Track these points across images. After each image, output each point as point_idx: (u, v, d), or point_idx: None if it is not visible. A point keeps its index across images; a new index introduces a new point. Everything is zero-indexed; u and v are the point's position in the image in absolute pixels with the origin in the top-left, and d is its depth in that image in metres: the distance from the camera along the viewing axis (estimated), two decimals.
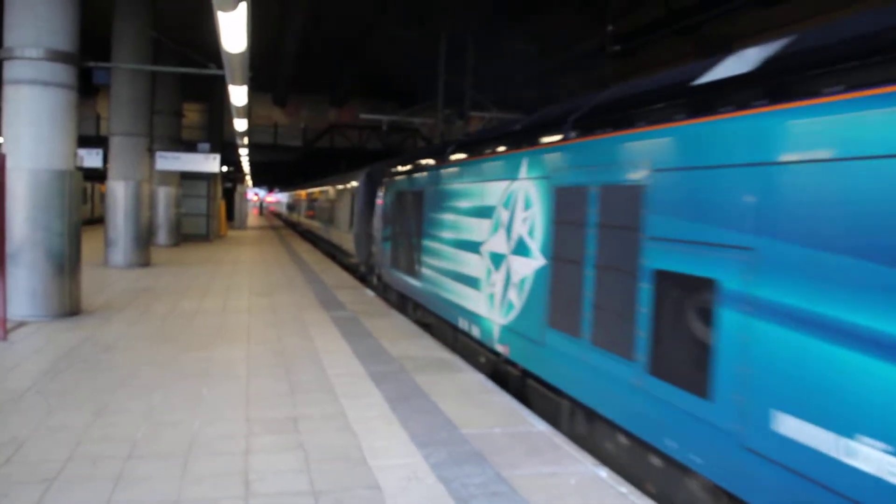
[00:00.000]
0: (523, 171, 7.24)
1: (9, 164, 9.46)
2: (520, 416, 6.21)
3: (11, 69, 9.98)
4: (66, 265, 10.34)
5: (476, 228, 8.56)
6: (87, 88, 20.09)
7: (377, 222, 15.57)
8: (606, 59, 22.23)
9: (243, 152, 33.61)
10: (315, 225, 31.82)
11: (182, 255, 21.63)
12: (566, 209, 6.19)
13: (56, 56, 10.04)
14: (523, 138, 7.50)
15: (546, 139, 6.86)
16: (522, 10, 21.38)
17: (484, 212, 8.30)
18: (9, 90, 10.02)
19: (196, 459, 4.96)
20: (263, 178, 69.73)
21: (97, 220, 39.06)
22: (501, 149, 8.07)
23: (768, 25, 17.53)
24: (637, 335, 4.98)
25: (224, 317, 10.85)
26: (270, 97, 40.22)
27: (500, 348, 7.69)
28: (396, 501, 4.33)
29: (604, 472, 4.93)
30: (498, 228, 7.80)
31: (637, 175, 5.12)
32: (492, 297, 7.92)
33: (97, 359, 7.89)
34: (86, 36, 10.84)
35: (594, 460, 5.20)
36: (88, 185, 40.13)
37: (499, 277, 7.72)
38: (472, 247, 8.64)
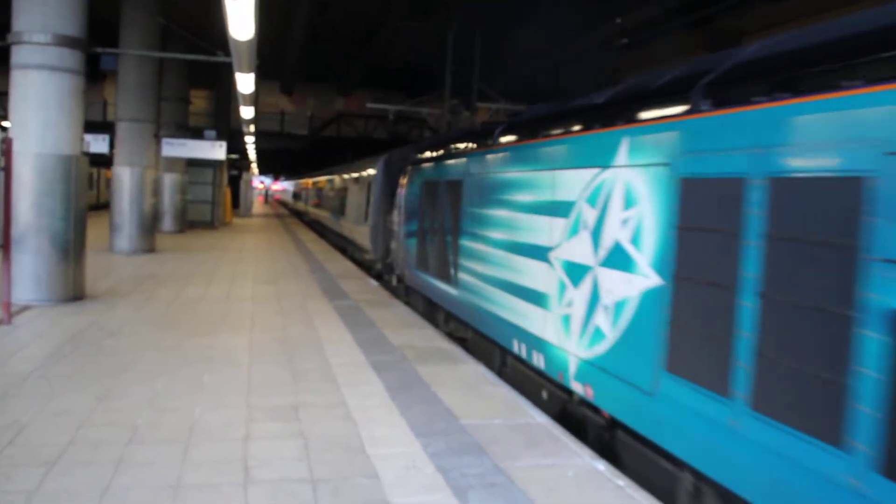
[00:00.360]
0: (622, 155, 5.37)
1: (16, 148, 9.48)
2: (520, 407, 6.23)
3: (19, 54, 10.00)
4: (71, 250, 10.37)
5: (542, 229, 6.65)
6: (95, 74, 20.15)
7: (398, 215, 13.55)
8: (614, 52, 22.22)
9: (249, 140, 33.63)
10: (324, 215, 30.49)
11: (187, 242, 21.68)
12: (702, 209, 4.40)
13: (64, 41, 10.05)
14: (622, 112, 5.65)
15: (663, 112, 5.03)
16: (530, 1, 21.33)
17: (555, 208, 6.40)
18: (16, 75, 10.04)
19: (197, 445, 4.99)
20: (269, 165, 69.78)
21: (103, 205, 39.14)
22: (583, 127, 6.21)
23: (774, 21, 17.50)
24: (854, 410, 3.28)
25: (228, 304, 10.88)
26: (278, 85, 40.27)
27: (577, 387, 5.88)
28: (395, 491, 4.35)
29: (601, 465, 4.94)
30: (578, 231, 5.92)
31: (854, 161, 3.37)
32: (567, 319, 6.03)
33: (101, 344, 7.92)
34: (94, 21, 10.85)
35: (592, 453, 5.22)
36: (94, 170, 40.19)
37: (579, 295, 5.84)
38: (536, 252, 6.74)
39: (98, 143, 21.05)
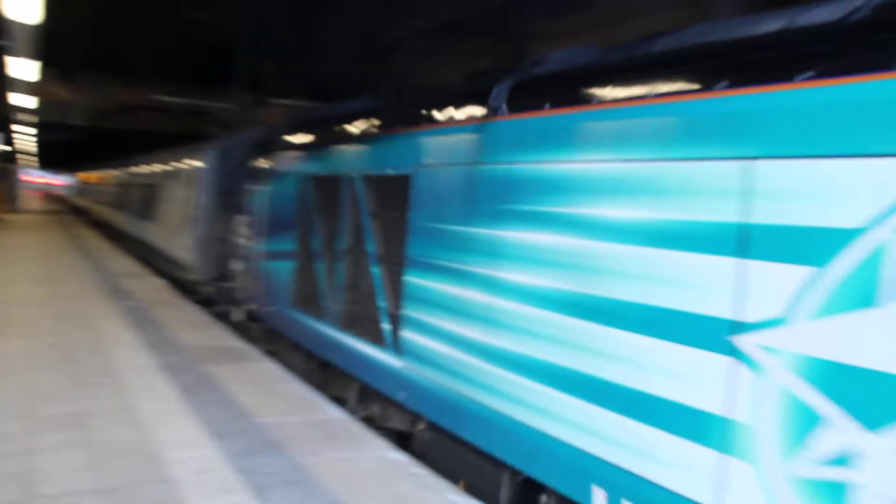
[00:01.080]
0: None
1: None
2: (315, 404, 6.29)
3: None
4: None
5: (697, 280, 3.25)
6: None
7: (248, 226, 10.02)
8: (409, 51, 22.68)
9: (26, 130, 31.23)
10: (118, 217, 25.62)
11: None
12: None
13: None
14: None
15: None
16: None
17: (755, 239, 3.01)
18: None
19: None
20: (49, 159, 65.21)
21: None
22: None
23: (569, 29, 18.54)
24: None
25: None
26: (56, 72, 37.58)
27: None
28: (191, 494, 4.28)
29: (398, 456, 5.11)
30: (874, 299, 2.60)
31: None
32: (837, 492, 2.67)
33: None
34: None
35: (389, 445, 5.38)
36: None
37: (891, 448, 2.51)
38: (679, 326, 3.30)
39: None
